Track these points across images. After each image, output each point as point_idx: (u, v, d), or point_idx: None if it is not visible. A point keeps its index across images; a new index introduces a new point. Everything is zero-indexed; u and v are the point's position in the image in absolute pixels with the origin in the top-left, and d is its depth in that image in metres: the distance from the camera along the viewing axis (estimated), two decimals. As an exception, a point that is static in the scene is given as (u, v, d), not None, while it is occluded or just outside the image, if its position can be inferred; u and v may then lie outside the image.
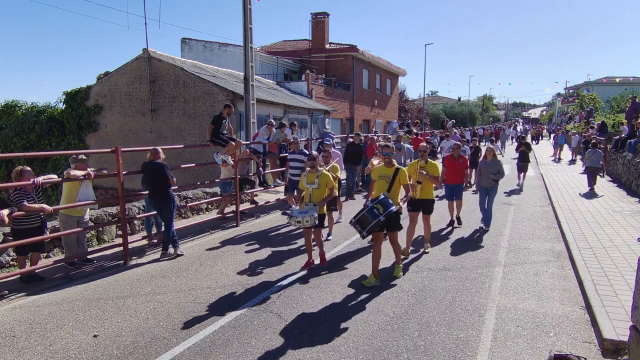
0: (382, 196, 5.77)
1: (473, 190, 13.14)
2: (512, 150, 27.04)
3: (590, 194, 12.98)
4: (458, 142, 10.42)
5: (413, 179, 7.07)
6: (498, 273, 6.59)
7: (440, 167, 8.68)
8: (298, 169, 9.19)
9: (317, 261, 6.90)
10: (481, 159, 9.72)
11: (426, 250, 7.57)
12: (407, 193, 6.37)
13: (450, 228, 9.38)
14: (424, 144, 7.81)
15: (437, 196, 12.64)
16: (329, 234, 8.47)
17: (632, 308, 3.99)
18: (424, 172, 7.14)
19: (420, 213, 7.45)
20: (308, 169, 6.70)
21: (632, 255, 6.99)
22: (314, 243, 6.97)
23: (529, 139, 42.89)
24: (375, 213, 5.64)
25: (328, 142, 10.55)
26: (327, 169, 7.23)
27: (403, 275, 6.46)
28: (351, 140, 14.51)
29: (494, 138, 18.34)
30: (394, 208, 5.72)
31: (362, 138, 14.47)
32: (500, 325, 4.94)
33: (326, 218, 7.44)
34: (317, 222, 6.28)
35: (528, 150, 15.51)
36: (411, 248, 7.56)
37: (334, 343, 4.50)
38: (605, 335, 4.46)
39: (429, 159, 7.43)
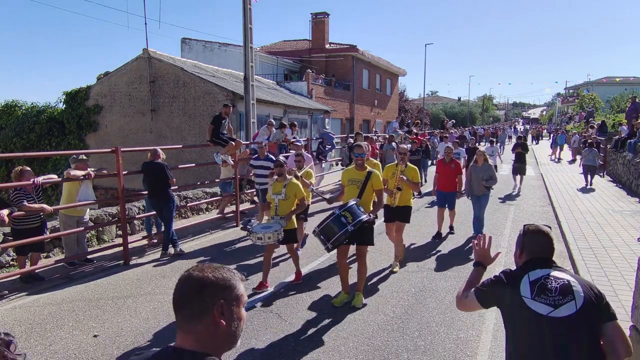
0: (352, 202, 4.97)
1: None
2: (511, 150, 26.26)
3: (587, 190, 13.75)
4: (450, 145, 9.47)
5: (392, 185, 6.41)
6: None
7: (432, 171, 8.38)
8: (264, 177, 8.36)
9: (290, 278, 6.26)
10: (472, 163, 8.82)
11: (394, 270, 6.56)
12: (379, 200, 5.45)
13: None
14: (404, 145, 6.99)
15: (429, 203, 11.69)
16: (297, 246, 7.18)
17: (632, 308, 4.00)
18: (404, 178, 6.38)
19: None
20: (275, 177, 5.93)
21: (632, 255, 6.99)
22: (287, 257, 6.31)
23: (528, 139, 43.12)
24: (342, 222, 4.80)
25: (299, 144, 9.44)
26: (299, 174, 6.56)
27: (398, 272, 6.45)
28: (351, 140, 14.52)
29: (493, 139, 17.13)
30: (364, 217, 4.90)
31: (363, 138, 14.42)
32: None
33: (301, 232, 6.79)
34: (281, 238, 5.49)
35: (525, 151, 14.49)
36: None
37: (334, 343, 4.50)
38: (605, 335, 4.45)
39: (408, 164, 6.70)
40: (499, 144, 28.32)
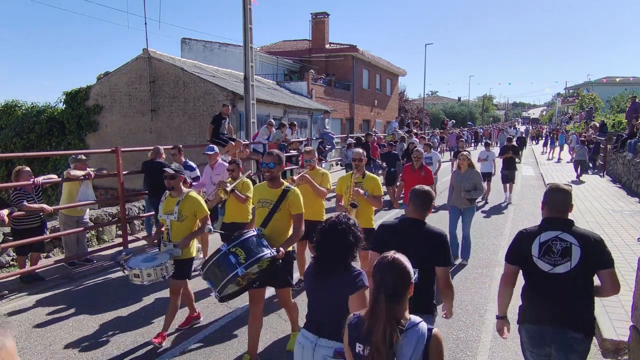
0: (250, 233, 3.70)
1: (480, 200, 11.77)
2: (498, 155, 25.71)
3: (578, 182, 15.62)
4: (420, 148, 7.74)
5: (346, 201, 5.14)
6: (498, 273, 6.58)
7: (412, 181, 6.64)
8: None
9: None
10: (454, 169, 7.53)
11: None
12: (296, 230, 3.97)
13: None
14: (359, 149, 5.48)
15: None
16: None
17: (632, 308, 4.00)
18: (361, 191, 5.02)
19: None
20: (167, 192, 4.64)
21: (632, 255, 6.98)
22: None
23: (528, 140, 43.07)
24: (230, 262, 3.52)
25: (211, 152, 7.06)
26: (231, 187, 5.25)
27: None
28: (351, 140, 14.52)
29: (489, 141, 15.12)
30: (267, 253, 3.59)
31: (375, 138, 14.30)
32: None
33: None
34: (168, 273, 4.28)
35: (515, 155, 13.12)
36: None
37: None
38: (605, 335, 4.46)
39: (366, 172, 5.30)
40: (499, 146, 27.25)
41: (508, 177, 12.45)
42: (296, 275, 6.06)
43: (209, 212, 4.58)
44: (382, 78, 33.77)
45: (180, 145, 7.43)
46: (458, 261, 7.04)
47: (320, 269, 2.59)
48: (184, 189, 4.57)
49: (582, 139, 18.99)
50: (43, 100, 21.43)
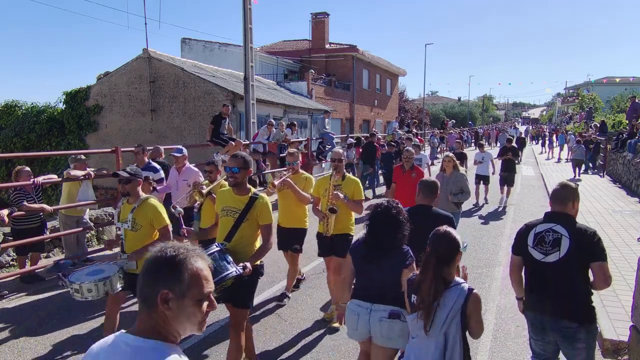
0: (214, 249, 3.34)
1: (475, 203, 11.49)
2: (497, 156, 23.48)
3: (575, 180, 15.54)
4: (410, 148, 7.24)
5: (324, 205, 4.78)
6: (498, 273, 6.59)
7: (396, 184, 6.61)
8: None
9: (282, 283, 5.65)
10: (438, 172, 7.18)
11: (332, 325, 4.83)
12: (265, 243, 3.62)
13: None
14: (338, 149, 5.20)
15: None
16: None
17: (632, 308, 4.00)
18: (340, 195, 4.60)
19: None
20: (124, 199, 4.17)
21: (632, 255, 6.99)
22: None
23: (527, 140, 43.04)
24: None
25: (179, 154, 6.66)
26: (207, 190, 4.64)
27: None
28: (352, 140, 14.51)
29: (482, 142, 14.40)
30: (231, 272, 3.22)
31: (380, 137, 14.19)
32: (500, 325, 4.95)
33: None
34: (112, 289, 3.73)
35: (515, 157, 12.31)
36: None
37: (334, 343, 4.50)
38: (605, 335, 4.46)
39: (347, 174, 4.91)
40: (499, 147, 26.44)
41: (507, 180, 11.67)
42: (279, 287, 5.90)
43: (169, 222, 4.07)
44: (382, 78, 33.77)
45: (145, 146, 6.87)
46: None
47: (374, 251, 3.02)
48: (142, 195, 4.06)
49: (579, 138, 19.13)
50: (43, 100, 21.41)
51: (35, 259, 6.48)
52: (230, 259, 3.31)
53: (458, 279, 2.58)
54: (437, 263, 2.49)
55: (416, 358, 2.52)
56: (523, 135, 30.71)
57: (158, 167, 6.73)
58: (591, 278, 2.95)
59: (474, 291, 2.54)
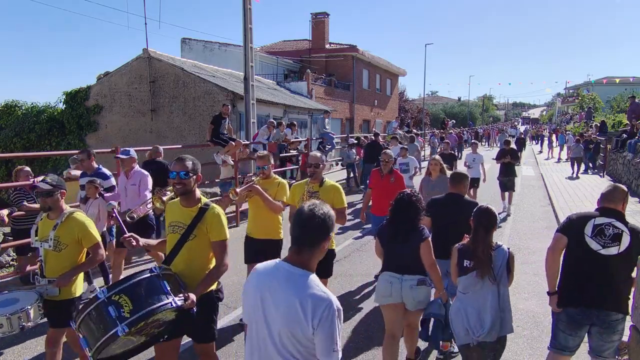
0: (145, 274, 2.70)
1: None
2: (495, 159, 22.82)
3: (574, 177, 17.01)
4: (388, 151, 6.48)
5: None
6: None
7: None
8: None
9: None
10: (424, 175, 6.70)
11: None
12: (216, 268, 3.05)
13: None
14: (316, 153, 4.66)
15: (361, 230, 8.95)
16: None
17: (632, 308, 4.00)
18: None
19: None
20: (43, 214, 3.56)
21: (632, 255, 6.98)
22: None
23: (527, 140, 43.03)
24: (109, 316, 2.50)
25: (125, 156, 6.03)
26: (165, 197, 3.63)
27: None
28: (352, 140, 14.47)
29: (476, 142, 13.44)
30: (166, 304, 2.62)
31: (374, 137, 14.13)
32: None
33: None
34: (29, 323, 3.12)
35: (514, 160, 11.07)
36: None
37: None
38: (605, 335, 4.45)
39: (325, 180, 4.43)
40: (499, 147, 25.21)
41: (507, 185, 10.71)
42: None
43: (100, 239, 3.54)
44: (382, 78, 33.78)
45: (91, 150, 6.15)
46: None
47: (399, 232, 3.67)
48: (67, 208, 3.45)
49: (577, 137, 20.11)
50: (43, 100, 21.43)
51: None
52: (167, 286, 2.66)
53: (498, 243, 3.32)
54: (484, 232, 3.23)
55: (473, 309, 3.21)
56: (523, 136, 29.65)
57: (108, 173, 6.04)
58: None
59: (510, 250, 3.32)
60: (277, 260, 2.08)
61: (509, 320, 3.24)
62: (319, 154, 4.57)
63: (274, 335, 1.95)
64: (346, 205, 4.43)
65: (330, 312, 1.87)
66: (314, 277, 1.98)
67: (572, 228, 3.26)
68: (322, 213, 2.01)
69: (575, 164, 18.11)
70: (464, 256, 3.30)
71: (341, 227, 8.61)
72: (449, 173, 6.03)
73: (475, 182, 10.23)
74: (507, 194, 10.87)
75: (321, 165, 4.40)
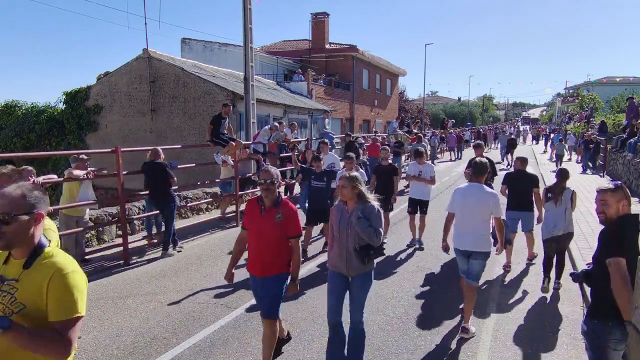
0: None
1: None
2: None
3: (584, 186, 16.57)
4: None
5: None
6: (498, 273, 6.59)
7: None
8: None
9: None
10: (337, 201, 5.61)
11: None
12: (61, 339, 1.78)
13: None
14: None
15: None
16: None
17: (633, 308, 3.98)
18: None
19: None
20: None
21: (632, 255, 6.98)
22: None
23: (528, 139, 43.02)
24: None
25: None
26: None
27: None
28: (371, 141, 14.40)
29: (480, 142, 9.16)
30: None
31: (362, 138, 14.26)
32: (500, 325, 4.95)
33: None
34: None
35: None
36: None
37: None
38: (605, 335, 4.45)
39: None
40: (498, 149, 23.47)
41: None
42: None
43: (84, 314, 1.98)
44: (382, 78, 33.79)
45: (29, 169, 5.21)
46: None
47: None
48: (46, 244, 1.98)
49: (561, 138, 23.95)
50: (43, 100, 21.45)
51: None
52: None
53: (568, 186, 5.87)
54: (561, 180, 5.82)
55: (551, 219, 5.73)
56: (513, 136, 25.46)
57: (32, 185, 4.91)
58: None
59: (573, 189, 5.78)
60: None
61: (572, 224, 5.74)
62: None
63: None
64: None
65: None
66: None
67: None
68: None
69: (559, 162, 20.91)
70: (547, 192, 5.86)
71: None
72: (372, 198, 4.29)
73: (421, 206, 7.80)
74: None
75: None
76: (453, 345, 4.48)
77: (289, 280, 3.81)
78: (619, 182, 3.17)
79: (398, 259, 7.29)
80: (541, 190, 6.24)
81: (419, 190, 7.88)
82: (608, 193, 3.01)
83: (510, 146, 21.54)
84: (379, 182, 7.79)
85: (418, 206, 7.85)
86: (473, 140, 35.46)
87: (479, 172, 4.65)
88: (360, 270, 3.78)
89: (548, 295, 5.74)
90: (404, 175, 11.52)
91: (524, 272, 6.62)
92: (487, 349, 4.42)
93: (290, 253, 3.75)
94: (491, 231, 4.69)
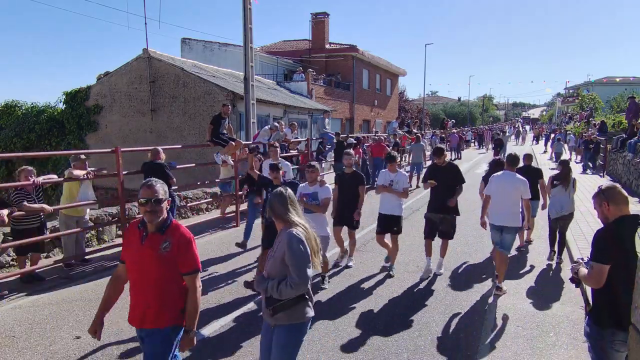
0: None
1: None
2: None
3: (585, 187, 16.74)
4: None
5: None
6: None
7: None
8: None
9: None
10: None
11: None
12: None
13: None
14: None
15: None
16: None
17: (632, 308, 3.99)
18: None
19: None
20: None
21: (632, 255, 6.98)
22: None
23: (529, 139, 43.01)
24: None
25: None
26: None
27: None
28: (352, 140, 14.41)
29: (395, 151, 8.54)
30: None
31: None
32: (500, 325, 4.95)
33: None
34: None
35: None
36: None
37: (334, 343, 4.50)
38: (605, 335, 4.45)
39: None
40: (493, 149, 22.44)
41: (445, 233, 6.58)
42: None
43: None
44: (382, 78, 33.77)
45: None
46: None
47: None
48: None
49: (559, 138, 24.49)
50: (43, 100, 21.46)
51: (35, 259, 6.48)
52: None
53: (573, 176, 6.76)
54: (566, 171, 6.64)
55: (559, 202, 6.68)
56: (500, 136, 23.86)
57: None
58: None
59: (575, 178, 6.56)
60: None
61: (573, 206, 6.71)
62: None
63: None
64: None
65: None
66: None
67: (618, 249, 2.86)
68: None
69: (558, 160, 21.29)
70: (552, 181, 6.84)
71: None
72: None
73: (393, 223, 6.43)
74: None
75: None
76: (453, 346, 4.48)
77: (181, 334, 2.90)
78: (614, 184, 3.13)
79: (398, 259, 7.28)
80: (546, 181, 7.29)
81: (389, 203, 6.31)
82: (593, 199, 3.07)
83: (497, 145, 21.27)
84: (341, 194, 6.41)
85: (389, 224, 6.36)
86: (473, 140, 35.66)
87: (513, 163, 5.87)
88: (283, 321, 2.89)
89: (548, 296, 5.74)
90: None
91: (525, 273, 6.62)
92: (487, 349, 4.42)
93: (186, 296, 2.85)
94: (520, 210, 5.68)
